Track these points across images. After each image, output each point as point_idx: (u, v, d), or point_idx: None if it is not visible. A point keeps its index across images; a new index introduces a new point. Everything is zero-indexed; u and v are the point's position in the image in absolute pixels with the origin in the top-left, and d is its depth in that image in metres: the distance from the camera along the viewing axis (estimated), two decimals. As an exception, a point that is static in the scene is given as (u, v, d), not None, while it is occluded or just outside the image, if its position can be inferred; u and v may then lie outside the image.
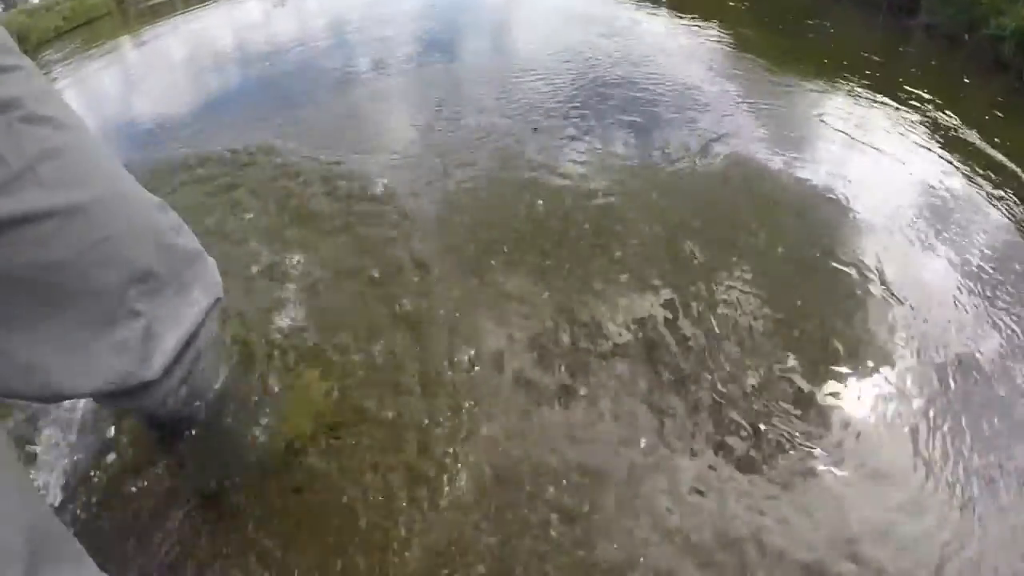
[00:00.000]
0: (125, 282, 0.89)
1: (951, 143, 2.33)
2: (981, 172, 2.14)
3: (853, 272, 1.66)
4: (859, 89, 2.77)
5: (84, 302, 0.85)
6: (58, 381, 0.86)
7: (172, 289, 0.99)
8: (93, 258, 0.83)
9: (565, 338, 1.46)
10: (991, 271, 1.67)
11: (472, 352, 1.43)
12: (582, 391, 1.33)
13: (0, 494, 0.65)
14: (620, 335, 1.46)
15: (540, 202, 1.97)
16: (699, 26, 3.74)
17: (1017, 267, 1.69)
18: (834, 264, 1.68)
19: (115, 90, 4.21)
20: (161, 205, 1.01)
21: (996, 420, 1.27)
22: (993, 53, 3.07)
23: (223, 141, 2.65)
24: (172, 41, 5.10)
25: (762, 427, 1.24)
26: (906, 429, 1.25)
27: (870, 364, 1.39)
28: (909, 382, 1.35)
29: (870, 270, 1.66)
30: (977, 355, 1.41)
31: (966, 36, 3.26)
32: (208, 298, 1.09)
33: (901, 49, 3.40)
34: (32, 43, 5.98)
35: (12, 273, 0.77)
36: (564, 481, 1.14)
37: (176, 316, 1.01)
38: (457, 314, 1.55)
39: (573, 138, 2.37)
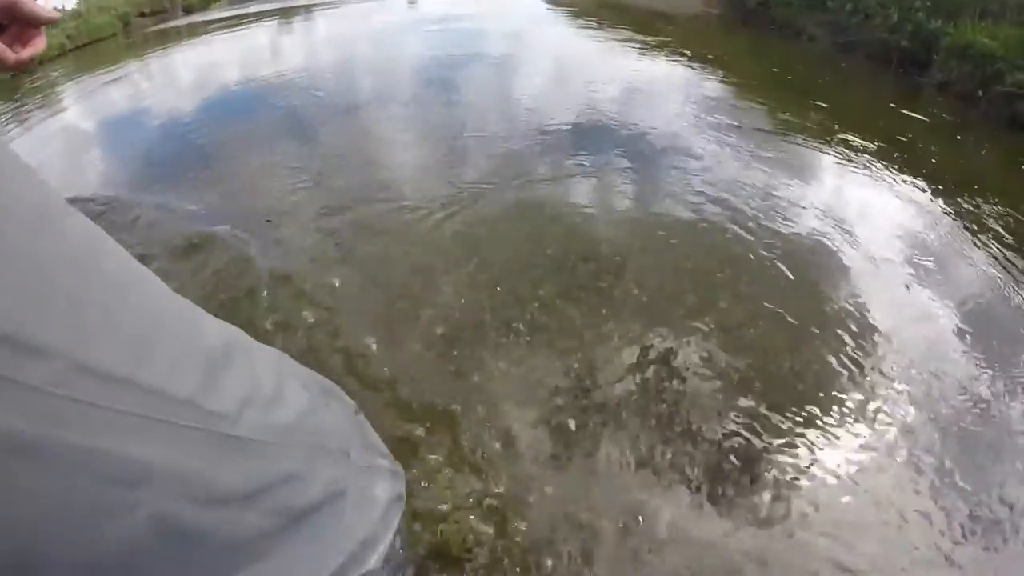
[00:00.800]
0: None
1: (962, 207, 2.22)
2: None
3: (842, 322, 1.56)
4: (865, 153, 2.68)
5: None
6: None
7: None
8: None
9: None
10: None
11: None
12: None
13: None
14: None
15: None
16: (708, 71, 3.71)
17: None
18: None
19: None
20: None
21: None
22: (1009, 111, 3.03)
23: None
24: (169, 74, 5.01)
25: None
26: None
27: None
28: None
29: (857, 320, 1.56)
30: None
31: (980, 93, 3.22)
32: None
33: (911, 112, 3.36)
34: (35, 61, 5.90)
35: None
36: None
37: None
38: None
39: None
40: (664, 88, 3.43)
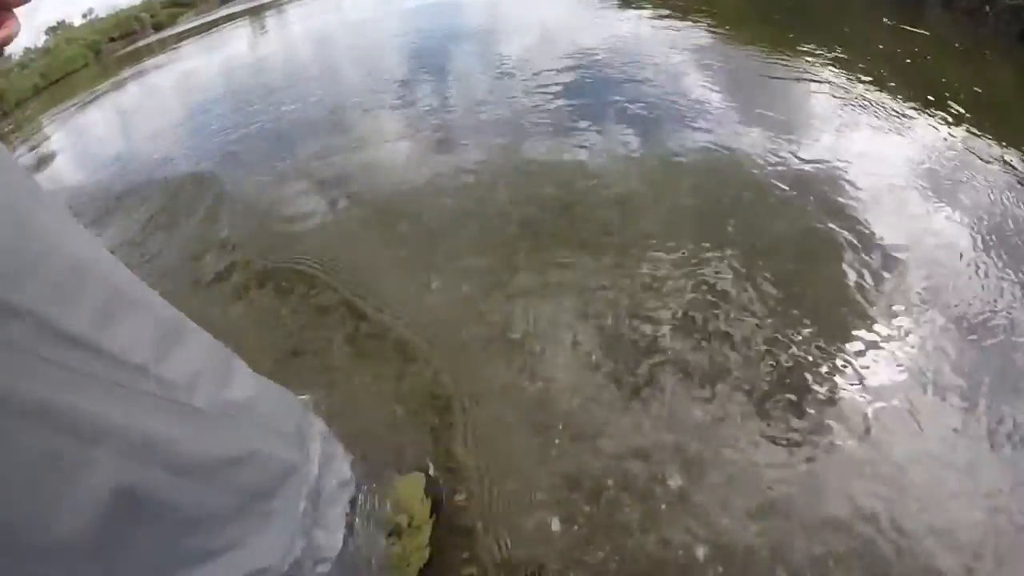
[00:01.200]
0: None
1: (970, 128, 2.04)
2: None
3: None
4: (866, 76, 2.50)
5: None
6: None
7: None
8: None
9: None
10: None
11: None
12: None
13: None
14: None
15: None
16: (695, 23, 3.50)
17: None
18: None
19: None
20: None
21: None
22: (1018, 26, 2.80)
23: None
24: (144, 87, 4.95)
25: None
26: None
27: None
28: None
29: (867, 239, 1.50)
30: None
31: (987, 8, 2.99)
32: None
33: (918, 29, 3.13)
34: (11, 103, 5.87)
35: None
36: None
37: None
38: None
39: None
40: (650, 32, 3.24)
